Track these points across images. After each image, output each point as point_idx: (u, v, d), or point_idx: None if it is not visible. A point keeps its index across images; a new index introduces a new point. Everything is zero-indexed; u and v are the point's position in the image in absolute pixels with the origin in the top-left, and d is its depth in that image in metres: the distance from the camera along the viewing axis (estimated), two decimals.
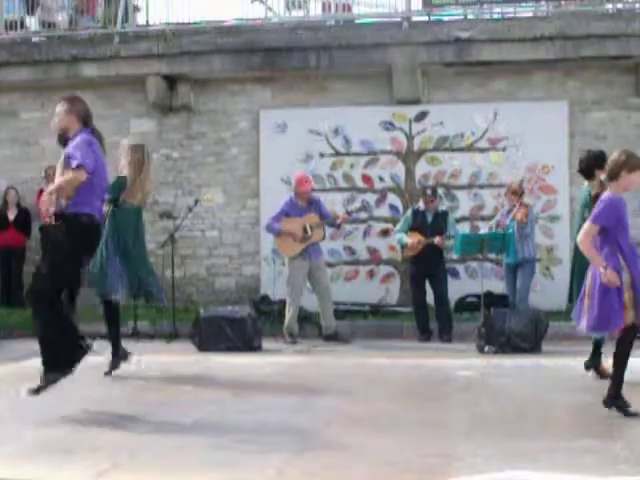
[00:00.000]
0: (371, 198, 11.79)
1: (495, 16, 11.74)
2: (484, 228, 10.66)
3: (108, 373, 7.28)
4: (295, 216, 9.93)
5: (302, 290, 9.98)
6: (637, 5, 11.48)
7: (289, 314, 9.85)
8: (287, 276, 10.06)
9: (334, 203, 11.39)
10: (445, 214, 10.28)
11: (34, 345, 5.96)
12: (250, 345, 9.14)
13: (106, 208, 7.23)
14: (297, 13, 12.52)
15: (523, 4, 11.85)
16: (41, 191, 11.76)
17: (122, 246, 7.39)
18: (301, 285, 9.95)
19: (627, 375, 5.65)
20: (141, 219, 7.65)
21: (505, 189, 10.08)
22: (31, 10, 12.64)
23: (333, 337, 9.86)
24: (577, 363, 7.36)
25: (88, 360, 7.44)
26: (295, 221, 9.88)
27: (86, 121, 5.94)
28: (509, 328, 8.87)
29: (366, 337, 10.12)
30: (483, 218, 11.34)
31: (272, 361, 8.45)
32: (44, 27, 12.52)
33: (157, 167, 12.24)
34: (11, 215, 12.16)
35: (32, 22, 12.73)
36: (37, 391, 5.61)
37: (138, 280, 7.48)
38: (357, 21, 12.28)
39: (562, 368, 7.66)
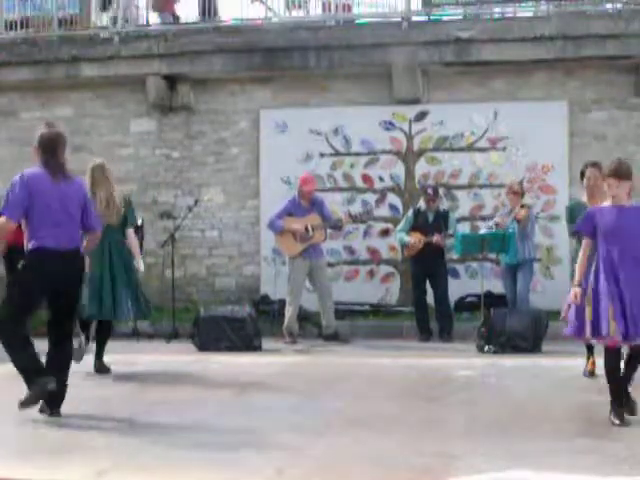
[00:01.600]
0: (371, 198, 11.77)
1: (495, 16, 11.74)
2: (484, 228, 10.66)
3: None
4: (298, 216, 9.93)
5: (302, 290, 9.99)
6: (637, 5, 11.46)
7: (289, 314, 9.85)
8: (288, 275, 10.07)
9: (334, 203, 11.39)
10: (446, 214, 10.29)
11: (35, 345, 5.97)
12: (250, 345, 9.15)
13: None
14: (297, 13, 12.51)
15: (523, 4, 11.84)
16: None
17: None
18: (301, 285, 9.96)
19: None
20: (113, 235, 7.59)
21: (505, 189, 10.05)
22: (104, 7, 12.56)
23: (333, 337, 9.86)
24: (577, 363, 7.36)
25: (88, 361, 7.46)
26: (297, 221, 9.89)
27: (46, 150, 5.73)
28: (509, 328, 8.88)
29: (366, 337, 10.12)
30: (483, 218, 11.31)
31: (272, 361, 8.45)
32: (116, 24, 12.43)
33: (157, 167, 12.30)
34: None
35: (104, 19, 12.59)
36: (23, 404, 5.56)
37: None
38: (357, 21, 12.27)
39: (562, 368, 7.66)
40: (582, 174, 7.26)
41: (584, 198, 7.25)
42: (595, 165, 7.15)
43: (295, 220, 9.90)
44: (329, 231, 10.50)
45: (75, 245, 5.77)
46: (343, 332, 10.02)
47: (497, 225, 9.73)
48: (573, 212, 7.25)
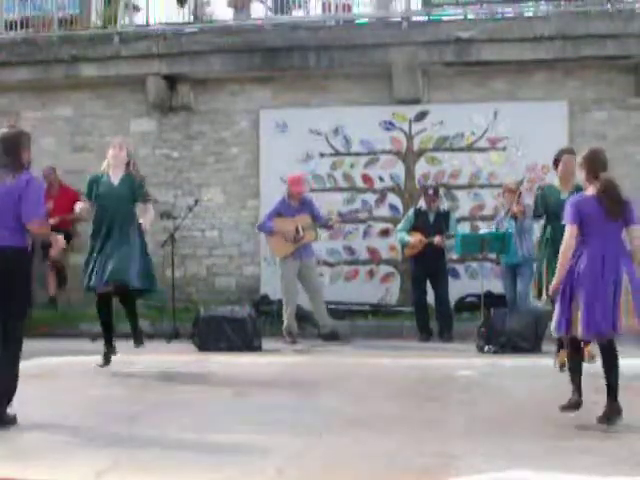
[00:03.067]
0: (371, 198, 11.78)
1: (495, 16, 11.74)
2: (484, 228, 10.67)
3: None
4: (287, 216, 9.94)
5: (296, 289, 9.96)
6: (637, 5, 11.46)
7: (286, 314, 9.84)
8: (280, 277, 10.05)
9: (334, 203, 11.40)
10: (447, 214, 10.29)
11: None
12: (250, 345, 9.15)
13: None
14: (297, 13, 12.51)
15: (523, 4, 11.84)
16: None
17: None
18: (295, 284, 9.93)
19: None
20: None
21: (502, 189, 10.05)
22: (182, 2, 12.55)
23: (331, 336, 9.85)
24: None
25: (88, 361, 7.46)
26: (287, 221, 9.89)
27: None
28: (509, 328, 8.88)
29: (366, 337, 10.12)
30: (483, 218, 11.33)
31: (272, 361, 8.45)
32: (196, 19, 12.43)
33: (157, 167, 12.29)
34: None
35: (184, 15, 12.58)
36: None
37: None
38: (357, 21, 12.26)
39: None
40: (556, 162, 7.52)
41: (556, 182, 7.61)
42: (571, 152, 7.40)
43: (285, 221, 9.90)
44: (330, 231, 10.50)
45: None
46: (343, 332, 10.02)
47: (498, 226, 9.72)
48: (544, 196, 7.59)
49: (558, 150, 7.73)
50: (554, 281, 5.67)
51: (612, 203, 5.44)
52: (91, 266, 7.50)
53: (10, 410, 5.48)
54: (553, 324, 5.65)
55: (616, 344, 5.53)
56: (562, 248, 5.59)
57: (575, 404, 5.60)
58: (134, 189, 7.72)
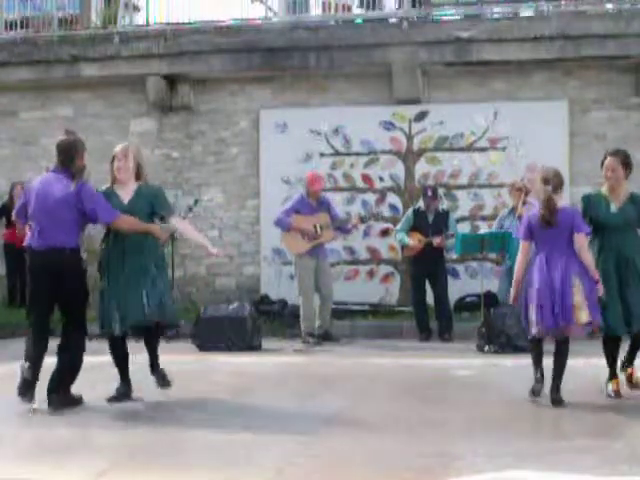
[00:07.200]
0: (371, 198, 11.79)
1: (495, 16, 11.74)
2: (484, 228, 10.66)
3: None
4: (305, 214, 9.89)
5: (313, 287, 9.79)
6: (637, 5, 11.46)
7: (305, 317, 9.72)
8: (296, 276, 9.97)
9: (334, 203, 11.38)
10: (446, 214, 10.29)
11: None
12: (250, 345, 9.16)
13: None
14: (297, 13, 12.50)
15: (523, 4, 11.84)
16: None
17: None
18: (311, 282, 9.76)
19: None
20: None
21: (509, 187, 10.03)
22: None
23: (324, 337, 9.84)
24: (575, 362, 7.35)
25: (88, 360, 7.45)
26: (305, 219, 9.85)
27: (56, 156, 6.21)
28: (509, 328, 8.87)
29: (366, 337, 10.12)
30: (483, 218, 11.34)
31: (272, 361, 8.45)
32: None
33: (157, 167, 12.27)
34: None
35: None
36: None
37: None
38: (356, 21, 12.26)
39: None
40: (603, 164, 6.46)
41: (604, 189, 6.46)
42: (616, 154, 6.37)
43: (303, 218, 9.85)
44: (346, 235, 10.48)
45: (57, 244, 5.98)
46: (343, 332, 10.02)
47: (501, 228, 9.68)
48: (587, 203, 6.42)
49: (605, 151, 6.57)
50: (512, 293, 6.33)
51: (545, 212, 6.03)
52: (104, 306, 6.36)
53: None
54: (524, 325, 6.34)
55: (568, 343, 6.23)
56: (516, 264, 6.30)
57: (535, 391, 6.16)
58: (153, 203, 6.49)
